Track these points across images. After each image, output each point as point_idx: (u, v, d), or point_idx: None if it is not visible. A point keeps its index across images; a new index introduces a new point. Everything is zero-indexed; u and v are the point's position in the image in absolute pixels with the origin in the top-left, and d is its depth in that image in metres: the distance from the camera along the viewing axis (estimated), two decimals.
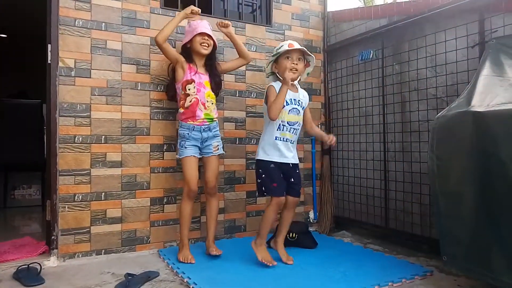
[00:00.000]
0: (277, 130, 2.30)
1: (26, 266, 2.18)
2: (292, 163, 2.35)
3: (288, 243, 2.66)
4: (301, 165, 3.25)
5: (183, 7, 2.84)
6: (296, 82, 2.40)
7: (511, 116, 1.56)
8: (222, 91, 2.89)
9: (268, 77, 2.50)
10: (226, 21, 2.60)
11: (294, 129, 2.35)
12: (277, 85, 2.33)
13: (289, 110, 2.32)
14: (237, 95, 3.01)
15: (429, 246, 2.50)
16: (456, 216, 1.78)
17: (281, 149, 2.31)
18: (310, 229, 2.94)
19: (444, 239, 1.86)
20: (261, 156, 2.33)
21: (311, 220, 3.31)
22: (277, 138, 2.31)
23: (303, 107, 2.42)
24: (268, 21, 3.22)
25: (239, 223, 3.01)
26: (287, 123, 2.31)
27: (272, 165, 2.28)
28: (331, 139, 2.41)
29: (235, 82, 3.01)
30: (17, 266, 2.20)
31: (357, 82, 3.12)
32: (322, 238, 2.97)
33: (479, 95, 1.78)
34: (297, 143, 3.20)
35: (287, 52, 2.29)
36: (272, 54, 2.39)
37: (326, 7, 3.46)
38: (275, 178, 2.26)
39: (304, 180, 3.32)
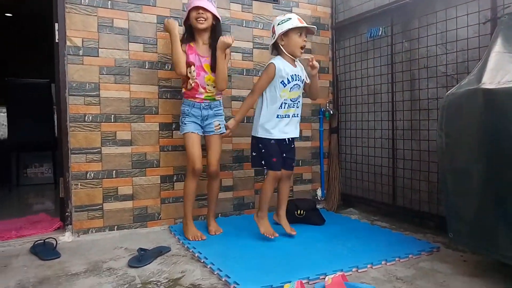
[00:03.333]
0: (280, 108, 2.30)
1: (42, 241, 2.24)
2: (288, 138, 2.38)
3: (296, 220, 2.71)
4: (308, 144, 3.31)
5: None
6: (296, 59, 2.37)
7: None
8: (229, 70, 2.88)
9: (270, 47, 2.39)
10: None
11: (298, 102, 2.38)
12: (278, 61, 2.29)
13: (291, 88, 2.31)
14: (244, 74, 3.01)
15: (436, 223, 2.53)
16: (463, 193, 1.80)
17: (282, 126, 2.33)
18: (318, 206, 2.98)
19: (451, 216, 1.88)
20: (262, 134, 2.33)
21: (318, 198, 3.35)
22: (279, 116, 2.32)
23: (303, 80, 2.38)
24: None
25: (247, 200, 3.06)
26: (290, 100, 2.32)
27: (272, 141, 2.32)
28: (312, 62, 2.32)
29: (242, 60, 3.00)
30: (34, 241, 2.27)
31: (366, 60, 3.10)
32: (330, 215, 3.01)
33: (490, 72, 1.75)
34: (306, 122, 3.26)
35: (299, 28, 2.26)
36: (280, 25, 2.25)
37: None
38: (274, 153, 2.31)
39: (312, 159, 3.34)
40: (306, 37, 2.33)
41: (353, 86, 3.24)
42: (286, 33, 2.26)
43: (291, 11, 3.20)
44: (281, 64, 2.27)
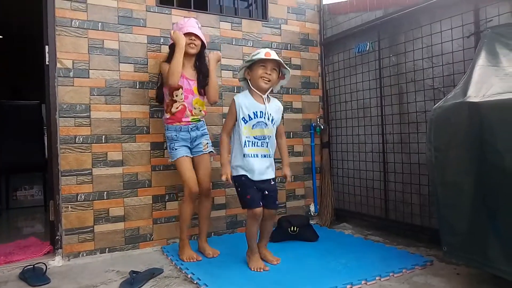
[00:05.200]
0: (245, 147, 2.16)
1: (32, 266, 2.20)
2: (263, 180, 2.21)
3: (289, 237, 2.69)
4: (300, 159, 3.31)
5: (179, 5, 2.86)
6: (266, 95, 2.22)
7: (506, 106, 1.57)
8: (220, 88, 2.90)
9: (240, 82, 2.34)
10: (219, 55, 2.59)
11: (265, 142, 2.21)
12: (240, 96, 2.22)
13: (253, 125, 2.17)
14: (234, 91, 3.02)
15: (429, 236, 2.53)
16: (454, 206, 1.80)
17: (251, 166, 2.16)
18: (311, 222, 2.97)
19: (443, 229, 1.88)
20: (234, 172, 2.20)
21: (311, 213, 3.34)
22: (247, 156, 2.16)
23: (273, 120, 2.23)
24: (264, 15, 3.22)
25: (240, 218, 3.03)
26: (254, 138, 2.18)
27: (243, 178, 2.17)
28: (288, 180, 2.38)
29: (233, 78, 3.02)
30: (23, 266, 2.23)
31: (355, 75, 3.13)
32: (323, 230, 3.00)
33: (475, 85, 1.79)
34: (297, 137, 3.28)
35: (262, 60, 2.14)
36: (246, 60, 2.22)
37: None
38: (248, 190, 2.16)
39: (304, 174, 3.34)
40: (275, 70, 2.19)
41: (342, 101, 3.27)
42: (251, 68, 2.19)
43: (280, 28, 3.25)
44: (242, 100, 2.18)
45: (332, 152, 3.39)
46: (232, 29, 3.05)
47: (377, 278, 1.98)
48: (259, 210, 2.15)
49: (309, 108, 3.38)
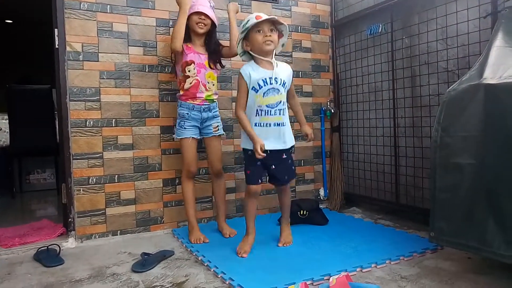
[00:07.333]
0: (256, 116, 2.10)
1: (46, 247, 2.24)
2: (272, 150, 2.12)
3: (299, 220, 2.70)
4: (310, 143, 3.28)
5: None
6: (273, 59, 2.13)
7: None
8: (229, 71, 2.88)
9: (241, 57, 2.23)
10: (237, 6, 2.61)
11: (278, 110, 2.12)
12: (245, 67, 2.12)
13: (264, 93, 2.08)
14: None
15: None
16: (452, 189, 1.75)
17: (262, 136, 2.08)
18: (321, 206, 2.96)
19: (436, 213, 1.83)
20: (243, 144, 2.19)
21: (321, 197, 3.34)
22: (257, 125, 2.10)
23: (284, 83, 2.14)
24: None
25: None
26: (266, 106, 2.09)
27: (249, 152, 2.12)
28: (309, 138, 2.31)
29: (243, 62, 2.98)
30: (37, 247, 2.28)
31: (366, 58, 3.08)
32: (333, 214, 3.00)
33: (491, 67, 1.73)
34: (307, 121, 3.23)
35: (256, 25, 2.05)
36: (240, 31, 2.11)
37: None
38: (250, 165, 2.15)
39: (314, 158, 3.33)
40: (273, 30, 2.10)
41: (354, 84, 3.23)
42: (247, 37, 2.11)
43: (290, 10, 3.19)
44: (248, 70, 2.10)
45: (342, 136, 3.36)
46: (241, 11, 2.99)
47: (387, 261, 1.98)
48: (254, 188, 2.13)
49: (320, 91, 3.34)
